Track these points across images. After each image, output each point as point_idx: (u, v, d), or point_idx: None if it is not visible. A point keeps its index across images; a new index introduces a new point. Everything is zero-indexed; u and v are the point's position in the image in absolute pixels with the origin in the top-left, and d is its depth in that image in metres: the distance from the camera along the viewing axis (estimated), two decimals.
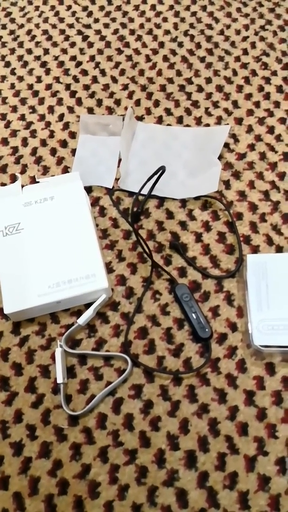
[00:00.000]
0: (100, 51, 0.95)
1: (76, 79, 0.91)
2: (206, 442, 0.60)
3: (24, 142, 0.85)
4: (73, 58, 0.95)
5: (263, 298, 0.66)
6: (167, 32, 0.97)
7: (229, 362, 0.64)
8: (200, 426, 0.61)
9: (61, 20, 1.00)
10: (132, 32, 0.97)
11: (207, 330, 0.65)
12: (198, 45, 0.94)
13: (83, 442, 0.61)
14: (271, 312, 0.65)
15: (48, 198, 0.73)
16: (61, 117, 0.87)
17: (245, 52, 0.93)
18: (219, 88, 0.89)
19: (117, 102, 0.88)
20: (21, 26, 1.00)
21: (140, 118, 0.86)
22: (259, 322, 0.64)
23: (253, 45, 0.94)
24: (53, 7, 1.02)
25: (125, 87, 0.90)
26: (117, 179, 0.80)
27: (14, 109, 0.89)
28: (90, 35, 0.98)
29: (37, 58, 0.95)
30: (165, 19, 0.99)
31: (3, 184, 0.81)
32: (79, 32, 0.98)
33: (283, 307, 0.65)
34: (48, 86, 0.91)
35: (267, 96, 0.87)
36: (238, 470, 0.58)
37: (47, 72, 0.93)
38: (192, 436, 0.60)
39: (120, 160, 0.81)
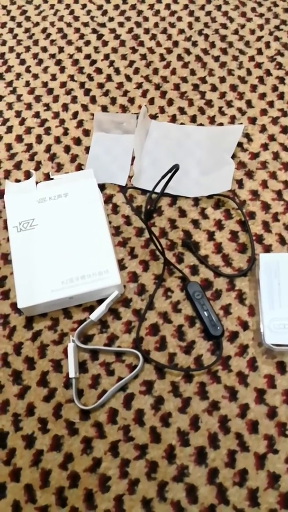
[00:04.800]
0: (114, 50, 0.96)
1: (90, 77, 0.92)
2: (216, 439, 0.60)
3: (39, 139, 0.85)
4: (87, 56, 0.95)
5: (275, 297, 0.66)
6: (181, 31, 0.97)
7: (240, 360, 0.65)
8: (211, 423, 0.61)
9: (76, 18, 1.01)
10: (146, 31, 0.98)
11: (218, 328, 0.65)
12: (213, 45, 0.95)
13: (94, 436, 0.61)
14: (283, 311, 0.65)
15: (62, 195, 0.73)
16: (75, 115, 0.88)
17: (260, 52, 0.93)
18: (233, 88, 0.89)
19: (131, 101, 0.88)
20: (36, 24, 1.01)
21: (153, 117, 0.86)
22: (270, 320, 0.64)
23: (267, 45, 0.94)
24: (68, 6, 1.03)
25: (139, 85, 0.90)
26: (130, 177, 0.80)
27: (29, 106, 0.89)
28: (104, 33, 0.98)
29: (52, 56, 0.96)
30: (179, 18, 0.99)
31: (18, 181, 0.81)
32: (94, 31, 0.99)
33: None
34: (63, 84, 0.92)
35: (281, 96, 0.87)
36: (248, 468, 0.59)
37: (62, 70, 0.94)
38: (203, 433, 0.61)
39: (133, 158, 0.81)
